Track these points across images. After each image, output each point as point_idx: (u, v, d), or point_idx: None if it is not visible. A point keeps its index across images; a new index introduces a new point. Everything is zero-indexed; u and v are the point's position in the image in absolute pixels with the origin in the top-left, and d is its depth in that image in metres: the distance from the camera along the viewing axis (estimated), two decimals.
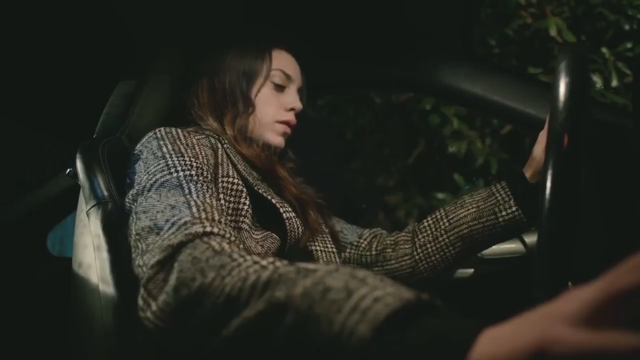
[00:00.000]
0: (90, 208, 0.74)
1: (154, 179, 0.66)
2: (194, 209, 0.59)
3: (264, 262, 0.48)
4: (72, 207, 0.83)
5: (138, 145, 0.76)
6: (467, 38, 1.10)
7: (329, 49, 1.15)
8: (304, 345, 0.40)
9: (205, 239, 0.54)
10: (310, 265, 0.46)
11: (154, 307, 0.51)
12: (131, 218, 0.65)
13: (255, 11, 1.01)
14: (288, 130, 0.90)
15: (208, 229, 0.56)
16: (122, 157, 0.79)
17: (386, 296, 0.39)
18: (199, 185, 0.65)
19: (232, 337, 0.45)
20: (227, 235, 0.57)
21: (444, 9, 1.06)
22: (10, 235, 1.35)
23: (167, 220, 0.58)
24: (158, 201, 0.62)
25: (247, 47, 0.91)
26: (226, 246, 0.53)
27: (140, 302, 0.53)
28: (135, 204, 0.66)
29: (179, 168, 0.67)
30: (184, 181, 0.65)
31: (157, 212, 0.60)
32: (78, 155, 0.78)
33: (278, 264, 0.48)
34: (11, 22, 0.96)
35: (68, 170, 0.83)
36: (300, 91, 0.94)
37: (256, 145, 0.88)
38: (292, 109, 0.90)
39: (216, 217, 0.59)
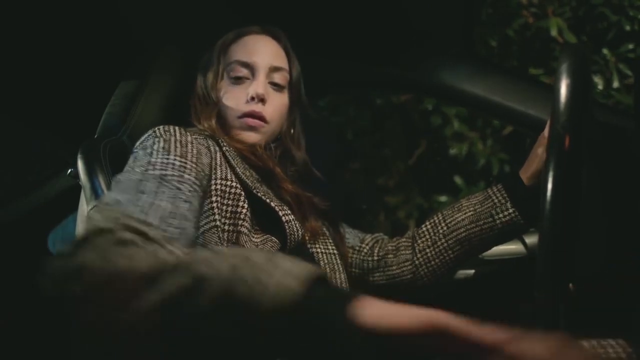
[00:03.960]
0: (92, 208, 0.74)
1: (131, 172, 0.66)
2: (138, 209, 0.57)
3: (183, 251, 0.50)
4: (73, 207, 0.84)
5: (138, 142, 0.76)
6: (468, 38, 1.10)
7: (330, 49, 1.15)
8: (230, 311, 0.42)
9: (128, 234, 0.51)
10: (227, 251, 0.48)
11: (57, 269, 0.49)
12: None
13: (255, 11, 1.01)
14: (255, 122, 0.84)
15: (140, 227, 0.53)
16: (124, 158, 0.79)
17: (298, 265, 0.45)
18: (162, 185, 0.63)
19: (153, 311, 0.44)
20: (157, 237, 0.53)
21: (445, 9, 1.06)
22: (11, 234, 1.35)
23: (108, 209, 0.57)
24: (115, 192, 0.61)
25: (213, 47, 0.91)
26: (147, 244, 0.50)
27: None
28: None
29: (158, 167, 0.66)
30: (151, 179, 0.64)
31: (108, 199, 0.60)
32: (79, 156, 0.78)
33: (198, 252, 0.49)
34: (14, 21, 0.96)
35: (69, 170, 0.83)
36: (275, 70, 0.88)
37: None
38: (252, 98, 0.84)
39: (154, 221, 0.56)
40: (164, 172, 0.66)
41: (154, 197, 0.60)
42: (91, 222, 0.53)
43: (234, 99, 0.86)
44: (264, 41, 0.90)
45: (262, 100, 0.85)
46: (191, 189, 0.67)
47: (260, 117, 0.85)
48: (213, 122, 0.85)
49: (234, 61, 0.87)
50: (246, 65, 0.87)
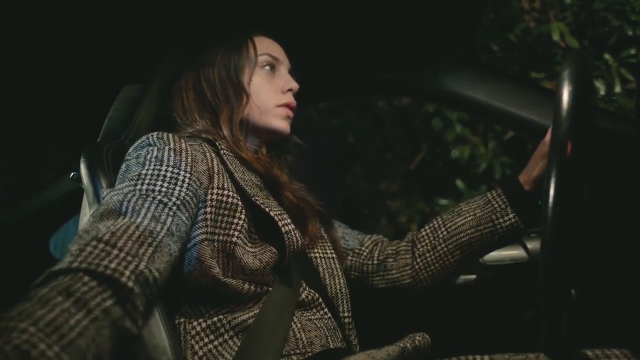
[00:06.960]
0: (92, 212, 0.74)
1: (118, 189, 0.66)
2: (109, 232, 0.56)
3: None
4: (75, 210, 0.84)
5: (131, 149, 0.75)
6: (470, 44, 1.10)
7: (332, 53, 1.15)
8: None
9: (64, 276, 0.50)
10: None
11: None
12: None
13: (258, 15, 1.01)
14: (290, 113, 0.88)
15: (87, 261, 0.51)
16: None
17: None
18: (147, 201, 0.63)
19: None
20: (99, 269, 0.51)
21: (447, 15, 1.06)
22: (13, 237, 1.35)
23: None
24: (96, 216, 0.60)
25: (228, 40, 0.90)
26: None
27: None
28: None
29: (147, 180, 0.66)
30: (136, 194, 0.63)
31: (87, 226, 0.58)
32: (82, 159, 0.78)
33: None
34: (17, 26, 0.96)
35: (72, 173, 0.83)
36: (290, 73, 0.91)
37: (256, 144, 0.88)
38: (289, 90, 0.88)
39: (120, 244, 0.55)
40: (152, 187, 0.65)
41: (135, 216, 0.60)
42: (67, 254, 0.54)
43: (272, 88, 0.88)
44: (276, 43, 0.92)
45: (294, 94, 0.89)
46: (180, 202, 0.66)
47: (293, 109, 0.89)
48: (241, 115, 0.85)
49: (265, 53, 0.88)
50: (276, 59, 0.89)
